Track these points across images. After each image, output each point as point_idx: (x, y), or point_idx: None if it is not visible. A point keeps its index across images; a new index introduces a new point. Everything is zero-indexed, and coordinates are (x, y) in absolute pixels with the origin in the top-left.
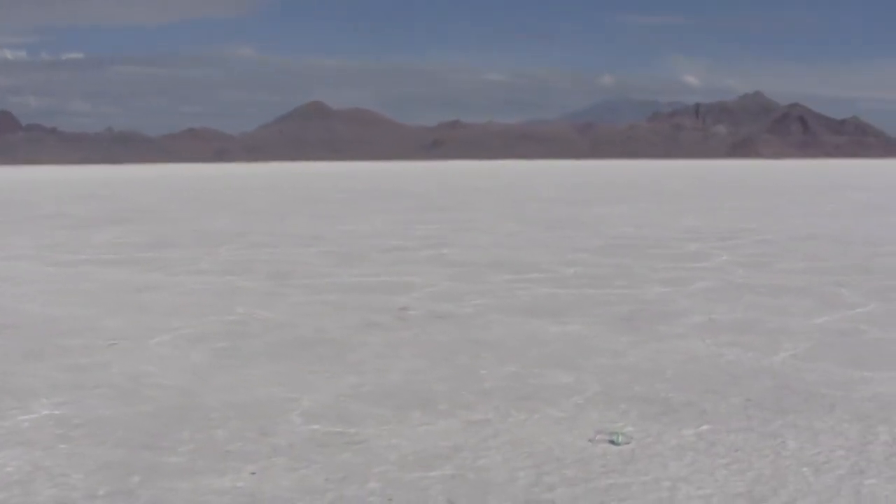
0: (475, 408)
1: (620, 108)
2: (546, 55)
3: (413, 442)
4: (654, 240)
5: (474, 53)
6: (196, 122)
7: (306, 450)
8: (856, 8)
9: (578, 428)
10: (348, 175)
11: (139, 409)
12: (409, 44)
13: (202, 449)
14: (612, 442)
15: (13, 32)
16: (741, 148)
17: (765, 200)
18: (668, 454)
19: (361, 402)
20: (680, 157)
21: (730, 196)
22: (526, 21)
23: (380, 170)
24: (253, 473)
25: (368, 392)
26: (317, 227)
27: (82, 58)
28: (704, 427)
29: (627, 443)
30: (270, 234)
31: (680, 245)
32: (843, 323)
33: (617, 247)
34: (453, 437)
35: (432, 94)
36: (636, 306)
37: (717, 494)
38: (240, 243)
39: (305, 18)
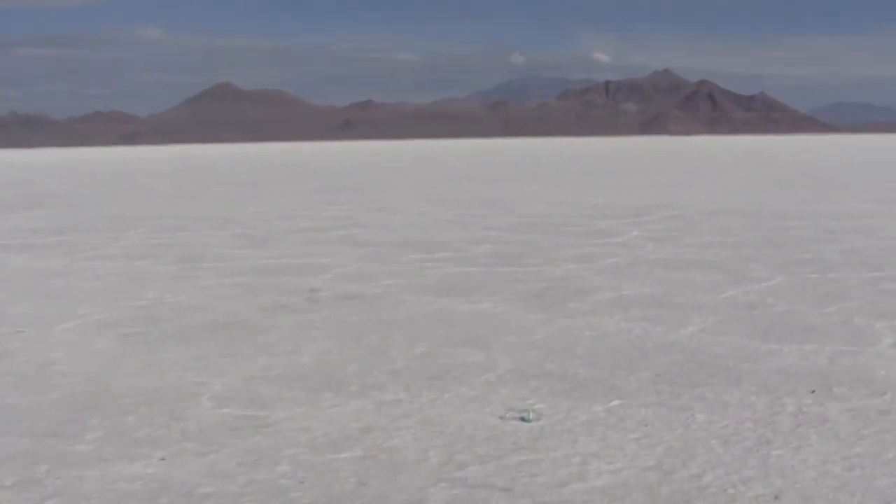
0: (386, 388)
1: (531, 86)
2: (457, 34)
3: (324, 424)
4: (565, 217)
5: (385, 33)
6: (104, 104)
7: (217, 434)
8: None
9: (489, 406)
10: (259, 156)
11: (46, 398)
12: (319, 24)
13: (111, 436)
14: (523, 419)
15: None
16: (651, 125)
17: (674, 176)
18: (578, 430)
19: (272, 385)
20: (590, 135)
21: (640, 173)
22: (439, 2)
23: (291, 151)
24: (162, 459)
25: (279, 375)
26: (227, 210)
27: None
28: (614, 402)
29: (538, 419)
30: (180, 217)
31: (590, 222)
32: (751, 296)
33: (528, 225)
34: (364, 418)
35: (343, 73)
36: (547, 284)
37: (627, 468)
38: (149, 227)
39: None
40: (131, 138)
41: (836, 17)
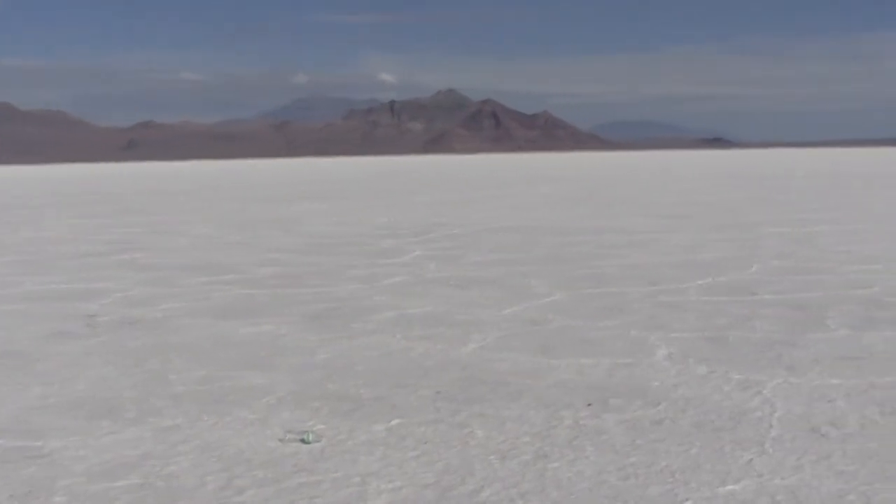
0: (164, 414)
1: (317, 105)
2: (242, 54)
3: (100, 452)
4: (350, 237)
5: (169, 52)
6: None
7: None
8: (545, 6)
9: (270, 429)
10: (38, 179)
11: None
12: (102, 43)
13: None
14: (303, 441)
15: None
16: (436, 144)
17: (458, 195)
18: (358, 450)
19: (48, 414)
20: (376, 154)
21: (424, 191)
22: (222, 19)
23: (72, 173)
24: None
25: (55, 403)
26: (1, 235)
27: None
28: (395, 421)
29: (318, 441)
30: None
31: (375, 241)
32: (531, 312)
33: (313, 245)
34: (142, 445)
35: (126, 93)
36: (330, 304)
37: (406, 486)
38: None
39: None
40: None
41: (616, 37)
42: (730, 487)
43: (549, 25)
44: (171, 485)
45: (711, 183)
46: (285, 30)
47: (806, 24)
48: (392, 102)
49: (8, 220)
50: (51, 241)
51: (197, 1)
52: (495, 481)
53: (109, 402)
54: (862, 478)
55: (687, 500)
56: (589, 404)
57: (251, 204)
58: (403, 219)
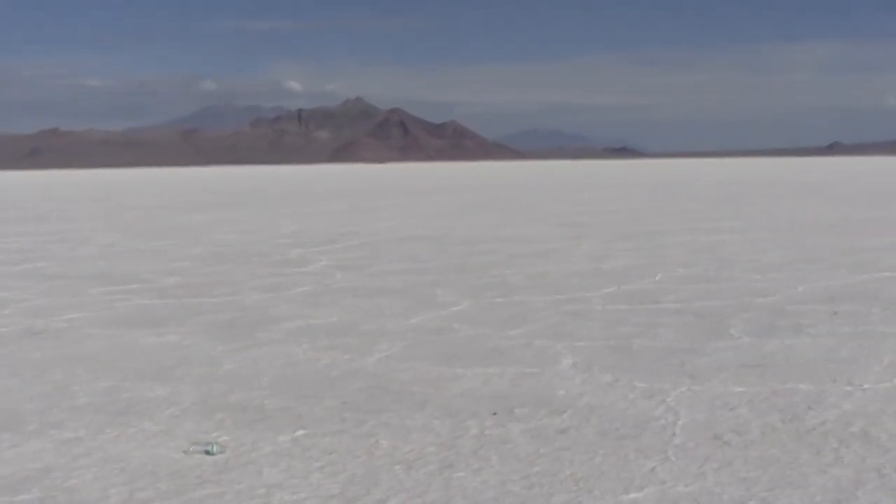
0: (67, 426)
1: (224, 113)
2: (149, 60)
3: (1, 465)
4: (257, 246)
5: (75, 57)
6: None
7: None
8: (454, 15)
9: (173, 440)
10: None
11: None
12: (2, 47)
13: None
14: (207, 452)
15: None
16: (343, 152)
17: (366, 204)
18: (262, 461)
19: None
20: (283, 163)
21: (332, 200)
22: (129, 25)
23: None
24: None
25: None
26: None
27: None
28: (300, 432)
29: (222, 452)
30: None
31: (281, 251)
32: (437, 322)
33: (219, 255)
34: (43, 458)
35: (29, 100)
36: (236, 314)
37: (311, 498)
38: None
39: None
40: None
41: (524, 47)
42: (633, 495)
43: (458, 34)
44: (73, 498)
45: (617, 192)
46: (193, 36)
47: (709, 36)
48: (300, 111)
49: None
50: None
51: (102, 6)
52: (401, 492)
53: (11, 414)
54: (763, 484)
55: None
56: (494, 413)
57: (157, 213)
58: (310, 228)
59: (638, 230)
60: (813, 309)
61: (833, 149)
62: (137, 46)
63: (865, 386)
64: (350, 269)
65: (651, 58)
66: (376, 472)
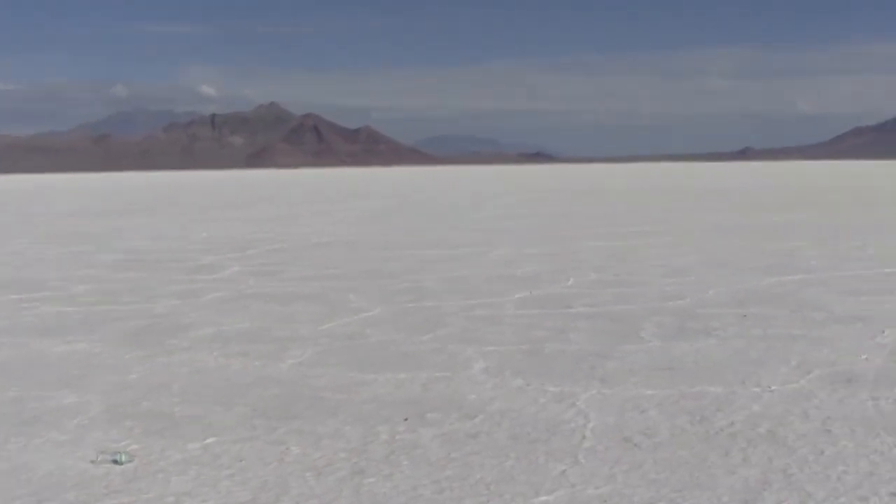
0: None
1: (136, 118)
2: (59, 64)
3: None
4: (169, 252)
5: None
6: None
7: None
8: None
9: (81, 450)
10: None
11: None
12: None
13: None
14: (116, 461)
15: None
16: (257, 158)
17: (279, 210)
18: (171, 469)
19: None
20: (196, 168)
21: (246, 206)
22: (38, 29)
23: None
24: None
25: None
26: None
27: None
28: (210, 439)
29: (131, 461)
30: None
31: (194, 257)
32: (350, 327)
33: (130, 261)
34: None
35: None
36: (147, 321)
37: None
38: None
39: None
40: None
41: (439, 52)
42: (543, 498)
43: (372, 39)
44: None
45: (532, 197)
46: (105, 40)
47: (622, 42)
48: (213, 116)
49: None
50: None
51: (9, 6)
52: (311, 498)
53: None
54: (672, 485)
55: None
56: (405, 419)
57: (67, 219)
58: (224, 234)
59: (551, 235)
60: (723, 312)
61: (745, 154)
62: (47, 49)
63: (773, 387)
64: (263, 275)
65: (565, 63)
66: (286, 479)
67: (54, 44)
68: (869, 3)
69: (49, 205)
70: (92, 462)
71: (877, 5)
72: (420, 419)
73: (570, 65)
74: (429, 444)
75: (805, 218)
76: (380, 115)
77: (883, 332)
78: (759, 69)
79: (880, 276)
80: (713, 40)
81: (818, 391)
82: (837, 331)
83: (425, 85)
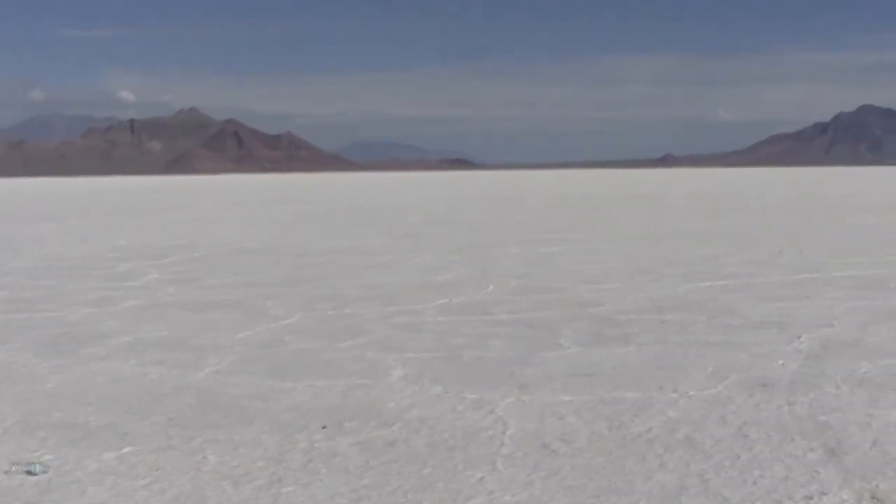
0: None
1: (54, 123)
2: None
3: None
4: (86, 259)
5: None
6: None
7: None
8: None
9: None
10: None
11: None
12: None
13: None
14: (29, 472)
15: None
16: (177, 164)
17: (200, 216)
18: (87, 480)
19: None
20: (115, 174)
21: (165, 213)
22: None
23: None
24: None
25: None
26: None
27: None
28: (126, 449)
29: (45, 472)
30: None
31: (112, 264)
32: (268, 335)
33: (46, 268)
34: None
35: None
36: (62, 329)
37: None
38: None
39: None
40: None
41: (359, 57)
42: None
43: (292, 45)
44: None
45: (453, 204)
46: (21, 43)
47: (546, 49)
48: (132, 121)
49: None
50: None
51: None
52: None
53: None
54: (590, 491)
55: None
56: (324, 427)
57: None
58: (142, 241)
59: (472, 242)
60: (641, 318)
61: (665, 160)
62: None
63: (691, 393)
64: (182, 282)
65: (488, 70)
66: (203, 489)
67: None
68: (788, 13)
69: None
70: (5, 473)
71: (795, 15)
72: (338, 427)
73: (493, 71)
74: (347, 453)
75: (724, 225)
76: (301, 121)
77: (799, 337)
78: (680, 77)
79: (796, 282)
80: (636, 48)
81: (735, 396)
82: (754, 336)
83: (347, 90)
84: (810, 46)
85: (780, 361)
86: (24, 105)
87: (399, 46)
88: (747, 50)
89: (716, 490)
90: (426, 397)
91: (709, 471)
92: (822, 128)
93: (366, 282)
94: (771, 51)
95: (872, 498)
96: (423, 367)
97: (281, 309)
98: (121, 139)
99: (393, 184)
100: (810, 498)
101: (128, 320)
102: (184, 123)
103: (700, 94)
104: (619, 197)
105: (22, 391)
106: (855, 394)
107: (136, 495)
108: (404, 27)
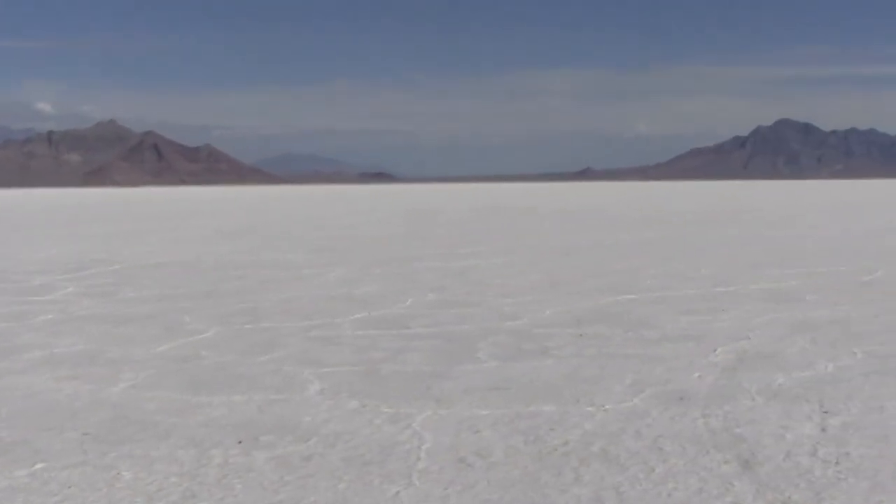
0: None
1: None
2: None
3: None
4: (0, 273)
5: None
6: None
7: None
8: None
9: None
10: None
11: None
12: None
13: None
14: None
15: None
16: (95, 176)
17: (118, 229)
18: None
19: None
20: (32, 186)
21: (83, 225)
22: None
23: None
24: None
25: None
26: None
27: None
28: (38, 465)
29: None
30: None
31: (27, 278)
32: (185, 349)
33: None
34: None
35: None
36: None
37: None
38: None
39: None
40: None
41: (278, 70)
42: None
43: (213, 57)
44: None
45: (372, 217)
46: None
47: (466, 62)
48: (50, 133)
49: None
50: None
51: None
52: None
53: None
54: None
55: None
56: (239, 442)
57: None
58: (58, 254)
59: (391, 255)
60: (559, 332)
61: (585, 174)
62: None
63: (607, 406)
64: (98, 296)
65: (408, 83)
66: None
67: None
68: (703, 27)
69: None
70: None
71: (711, 29)
72: (254, 442)
73: (412, 85)
74: (262, 468)
75: (644, 238)
76: (221, 134)
77: (715, 350)
78: (599, 90)
79: (713, 295)
80: (553, 62)
81: (651, 409)
82: (671, 349)
83: (267, 103)
84: (728, 60)
85: (697, 374)
86: None
87: (319, 60)
88: (666, 64)
89: (630, 503)
90: (343, 411)
91: (624, 483)
92: (741, 141)
93: (284, 296)
94: (687, 64)
95: None
96: (341, 382)
97: (198, 323)
98: (39, 151)
99: (313, 197)
100: None
101: (43, 334)
102: (102, 135)
103: (618, 107)
104: (540, 210)
105: None
106: (770, 406)
107: None
108: (322, 41)
